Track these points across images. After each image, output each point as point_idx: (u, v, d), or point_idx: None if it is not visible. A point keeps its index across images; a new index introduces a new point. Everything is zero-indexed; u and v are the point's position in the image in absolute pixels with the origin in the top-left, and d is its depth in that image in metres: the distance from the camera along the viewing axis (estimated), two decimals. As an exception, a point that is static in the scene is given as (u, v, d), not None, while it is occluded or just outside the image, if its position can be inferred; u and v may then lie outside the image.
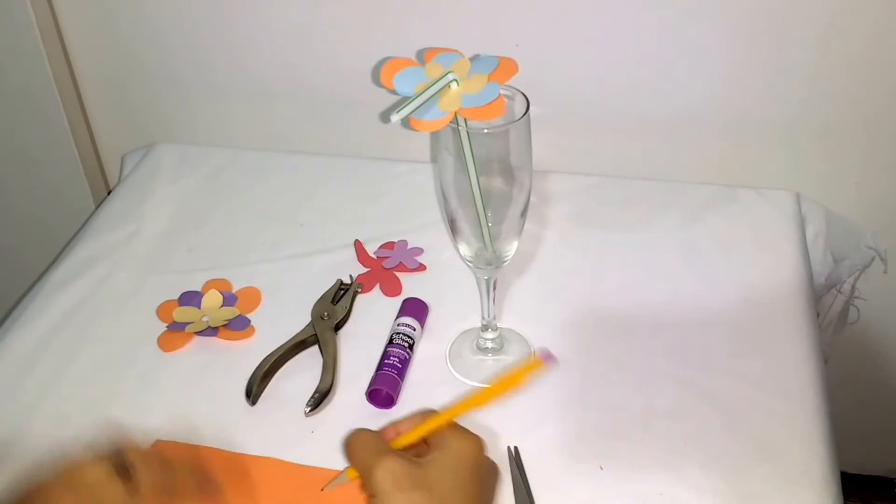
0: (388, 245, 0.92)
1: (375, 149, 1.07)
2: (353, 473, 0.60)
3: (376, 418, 0.74)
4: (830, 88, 0.93)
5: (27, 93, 1.09)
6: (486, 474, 0.59)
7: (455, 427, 0.60)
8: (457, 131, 0.62)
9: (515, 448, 0.71)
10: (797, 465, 0.69)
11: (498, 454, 0.70)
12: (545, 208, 0.96)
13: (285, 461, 0.70)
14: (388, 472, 0.55)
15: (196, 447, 0.71)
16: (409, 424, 0.62)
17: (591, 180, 1.00)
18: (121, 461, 0.57)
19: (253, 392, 0.76)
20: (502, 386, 0.59)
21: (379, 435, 0.60)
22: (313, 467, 0.69)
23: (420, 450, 0.60)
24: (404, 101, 0.59)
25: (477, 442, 0.59)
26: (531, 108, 0.63)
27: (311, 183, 1.02)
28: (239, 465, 0.70)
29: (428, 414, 0.62)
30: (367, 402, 0.76)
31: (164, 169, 1.06)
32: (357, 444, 0.59)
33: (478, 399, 0.60)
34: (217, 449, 0.71)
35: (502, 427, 0.73)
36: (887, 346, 1.15)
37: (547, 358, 0.57)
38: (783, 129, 0.96)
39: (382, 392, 0.75)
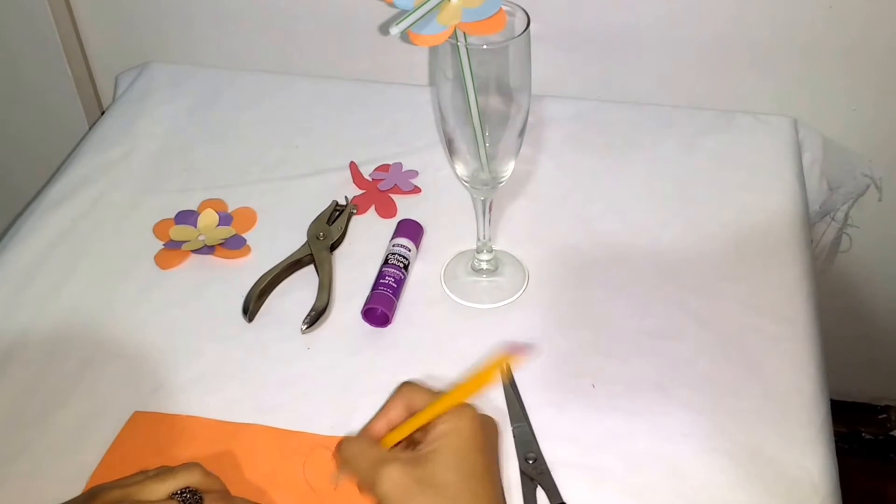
0: (384, 167, 0.92)
1: (371, 71, 1.06)
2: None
3: (372, 336, 0.75)
4: (832, 15, 0.92)
5: (18, 12, 1.07)
6: (486, 443, 0.57)
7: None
8: (456, 48, 0.61)
9: (507, 364, 0.72)
10: (787, 385, 0.71)
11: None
12: (541, 133, 0.96)
13: (271, 427, 0.68)
14: (392, 483, 0.54)
15: (176, 417, 0.69)
16: (398, 413, 0.61)
17: (588, 105, 1.00)
18: (186, 487, 0.57)
19: (250, 309, 0.76)
20: (478, 382, 0.58)
21: (371, 441, 0.59)
22: (300, 433, 0.68)
23: (415, 434, 0.59)
24: (403, 14, 0.58)
25: (468, 415, 0.57)
26: (531, 24, 0.62)
27: (306, 105, 1.01)
28: (223, 432, 0.68)
29: (411, 392, 0.61)
30: (363, 321, 0.76)
31: (159, 89, 1.05)
32: (352, 457, 0.58)
33: (458, 395, 0.58)
34: (199, 418, 0.69)
35: (496, 345, 0.74)
36: (878, 274, 1.16)
37: (518, 351, 0.55)
38: (781, 54, 0.96)
39: (378, 311, 0.76)
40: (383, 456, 0.56)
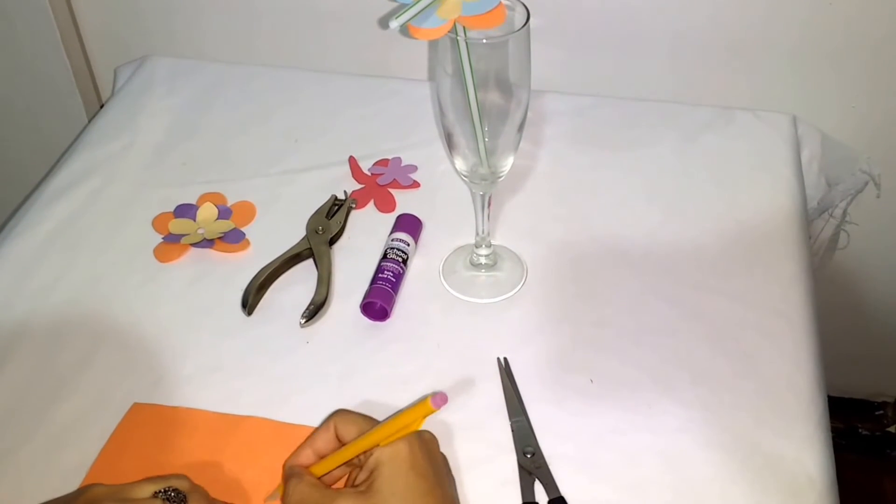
0: (383, 162, 0.92)
1: (371, 66, 1.06)
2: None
3: (370, 330, 0.76)
4: (831, 11, 0.92)
5: (17, 4, 1.07)
6: (427, 461, 0.58)
7: None
8: (455, 42, 0.61)
9: (505, 359, 0.72)
10: (785, 380, 0.71)
11: (488, 365, 0.72)
12: (540, 128, 0.96)
13: (270, 420, 0.68)
14: None
15: (176, 409, 0.69)
16: (325, 443, 0.61)
17: (588, 100, 1.00)
18: (171, 489, 0.57)
19: (249, 302, 0.76)
20: (402, 428, 0.58)
21: (312, 482, 0.59)
22: (299, 425, 0.67)
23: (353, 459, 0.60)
24: (403, 7, 0.58)
25: (404, 439, 0.58)
26: (531, 19, 0.62)
27: (305, 99, 1.01)
28: (222, 425, 0.68)
29: (342, 421, 0.61)
30: (362, 315, 0.76)
31: (158, 82, 1.04)
32: (299, 501, 0.58)
33: (385, 433, 0.58)
34: (198, 410, 0.69)
35: (494, 339, 0.74)
36: (876, 270, 1.16)
37: (437, 402, 0.55)
38: (781, 51, 0.96)
39: (377, 305, 0.76)
40: (328, 496, 0.57)
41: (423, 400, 0.56)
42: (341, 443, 0.61)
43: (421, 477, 0.56)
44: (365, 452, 0.59)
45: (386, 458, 0.57)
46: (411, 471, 0.56)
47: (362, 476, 0.58)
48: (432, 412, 0.56)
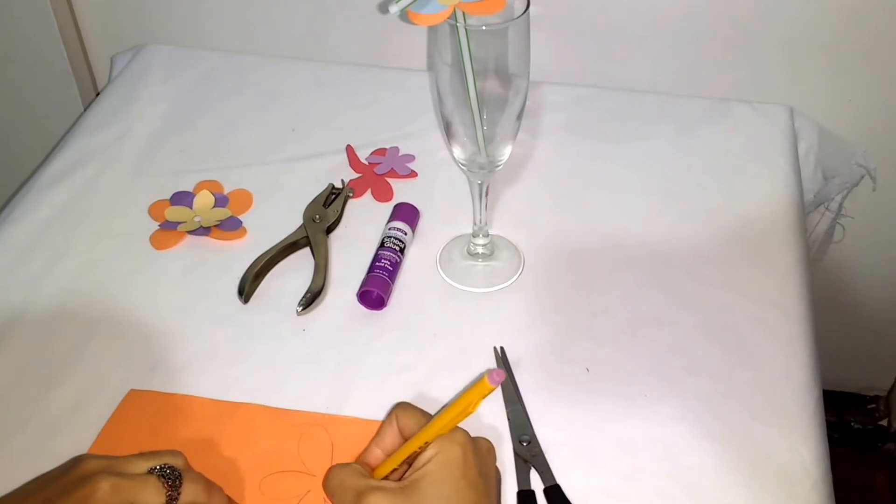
0: (380, 151, 0.92)
1: (369, 55, 1.06)
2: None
3: (367, 318, 0.76)
4: (828, 3, 0.92)
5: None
6: (478, 470, 0.56)
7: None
8: (455, 29, 0.61)
9: (502, 348, 0.72)
10: (780, 371, 0.71)
11: (485, 354, 0.72)
12: (538, 119, 0.96)
13: (266, 406, 0.68)
14: None
15: (172, 395, 0.69)
16: (392, 439, 0.59)
17: (585, 91, 1.00)
18: (167, 466, 0.56)
19: (245, 290, 0.76)
20: (461, 412, 0.55)
21: (356, 469, 0.58)
22: (295, 411, 0.68)
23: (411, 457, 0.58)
24: (404, -7, 0.58)
25: (457, 440, 0.55)
26: (531, 7, 0.62)
27: (303, 88, 1.01)
28: (218, 411, 0.68)
29: (404, 415, 0.59)
30: (358, 303, 0.76)
31: (154, 70, 1.04)
32: (336, 487, 0.57)
33: (445, 421, 0.55)
34: (194, 397, 0.69)
35: (491, 329, 0.74)
36: (870, 265, 1.16)
37: (494, 379, 0.51)
38: (779, 43, 0.96)
39: (373, 293, 0.76)
40: (367, 485, 0.55)
41: (479, 379, 0.52)
42: (403, 437, 0.59)
43: (471, 487, 0.54)
44: (423, 445, 0.56)
45: (439, 458, 0.54)
46: (462, 479, 0.54)
47: (410, 472, 0.55)
48: (491, 391, 0.52)
